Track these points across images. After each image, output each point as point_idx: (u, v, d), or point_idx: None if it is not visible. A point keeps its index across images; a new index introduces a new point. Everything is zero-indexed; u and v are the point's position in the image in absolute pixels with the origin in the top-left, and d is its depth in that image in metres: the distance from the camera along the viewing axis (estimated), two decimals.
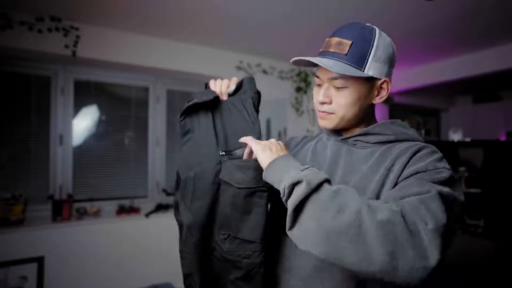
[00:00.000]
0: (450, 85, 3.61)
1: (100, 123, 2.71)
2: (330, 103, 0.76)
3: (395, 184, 0.67)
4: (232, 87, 0.87)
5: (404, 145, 0.72)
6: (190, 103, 0.85)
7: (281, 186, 0.61)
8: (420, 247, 0.51)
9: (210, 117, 0.86)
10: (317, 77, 0.78)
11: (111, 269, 2.48)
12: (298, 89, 3.45)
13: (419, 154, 0.68)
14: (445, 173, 0.63)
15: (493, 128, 4.47)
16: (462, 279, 1.92)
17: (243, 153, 0.81)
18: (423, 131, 3.57)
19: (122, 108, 2.81)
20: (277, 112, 3.31)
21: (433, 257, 0.51)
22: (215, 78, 0.91)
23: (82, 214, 2.49)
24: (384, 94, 0.77)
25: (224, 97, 0.88)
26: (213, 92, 0.87)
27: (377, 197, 0.67)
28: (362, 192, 0.67)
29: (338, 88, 0.74)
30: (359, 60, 0.71)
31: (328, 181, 0.60)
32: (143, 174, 2.88)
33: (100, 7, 2.12)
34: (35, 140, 2.45)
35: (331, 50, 0.74)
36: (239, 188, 0.77)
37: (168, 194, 2.93)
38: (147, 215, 2.65)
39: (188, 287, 0.88)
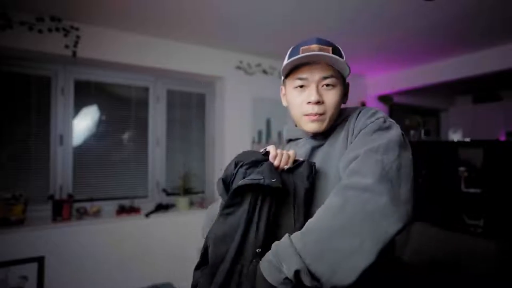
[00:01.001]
0: (450, 85, 3.61)
1: (100, 123, 2.71)
2: (323, 103, 0.79)
3: None
4: (289, 165, 0.76)
5: (350, 117, 0.81)
6: (254, 180, 0.69)
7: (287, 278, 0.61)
8: (376, 199, 0.61)
9: (260, 197, 0.70)
10: (300, 79, 0.79)
11: (111, 269, 2.48)
12: None
13: (358, 117, 0.79)
14: (380, 120, 0.74)
15: (493, 128, 4.47)
16: (462, 279, 1.92)
17: None
18: (422, 131, 3.56)
19: (122, 108, 2.81)
20: (277, 112, 3.31)
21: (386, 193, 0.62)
22: (275, 149, 0.78)
23: (82, 214, 2.49)
24: (347, 94, 0.86)
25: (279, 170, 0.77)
26: (274, 172, 0.72)
27: None
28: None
29: (328, 86, 0.78)
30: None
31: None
32: (143, 174, 2.88)
33: (100, 7, 2.12)
34: (35, 140, 2.46)
35: (318, 51, 0.76)
36: None
37: (168, 194, 2.93)
38: (147, 215, 2.65)
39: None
